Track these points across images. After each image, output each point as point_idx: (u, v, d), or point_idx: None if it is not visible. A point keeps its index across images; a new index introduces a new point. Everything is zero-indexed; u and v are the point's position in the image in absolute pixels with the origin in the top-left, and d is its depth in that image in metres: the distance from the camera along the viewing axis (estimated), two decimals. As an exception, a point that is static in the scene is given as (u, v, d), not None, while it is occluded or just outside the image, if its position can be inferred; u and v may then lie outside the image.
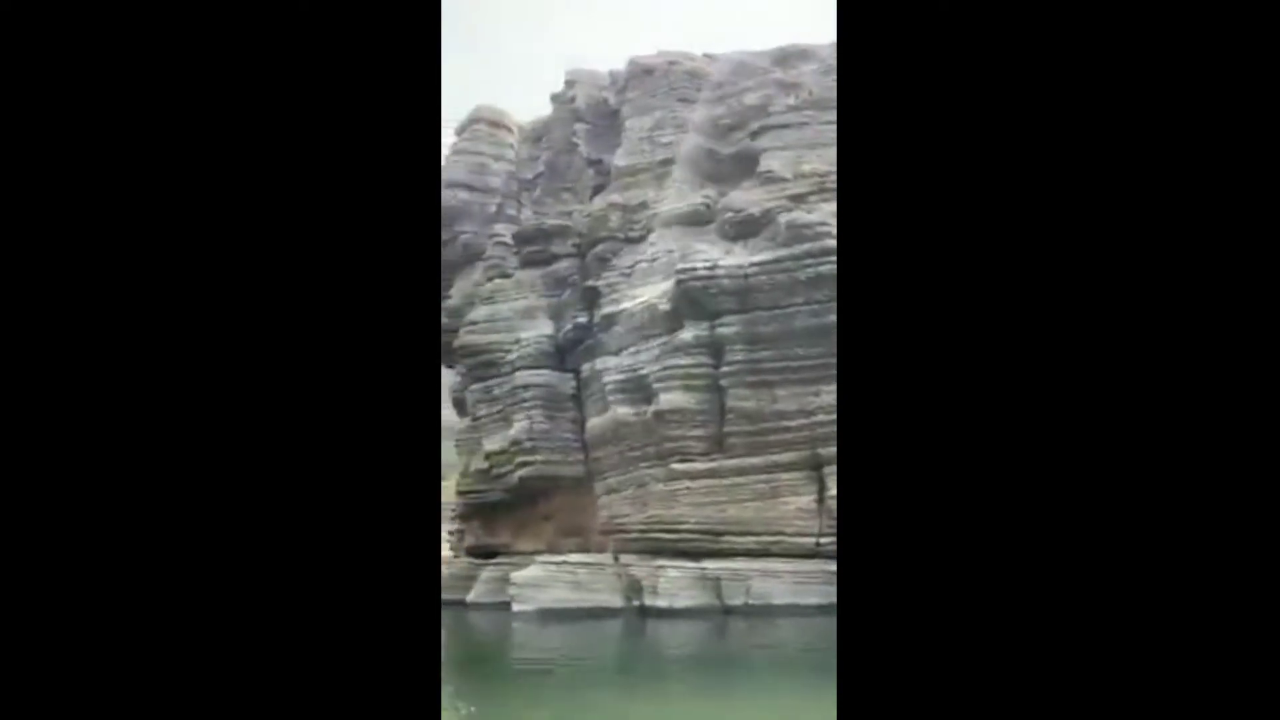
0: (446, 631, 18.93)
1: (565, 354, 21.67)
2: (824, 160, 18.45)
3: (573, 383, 21.07)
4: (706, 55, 24.05)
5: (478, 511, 24.22)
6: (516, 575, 18.93)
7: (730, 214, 19.51)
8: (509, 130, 28.99)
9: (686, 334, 18.17)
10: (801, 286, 17.58)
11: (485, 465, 21.97)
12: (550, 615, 17.97)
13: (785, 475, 17.70)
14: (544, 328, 22.09)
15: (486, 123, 28.61)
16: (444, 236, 27.31)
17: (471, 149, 27.97)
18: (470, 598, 21.83)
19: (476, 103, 29.05)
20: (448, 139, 29.07)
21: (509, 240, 24.48)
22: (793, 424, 17.58)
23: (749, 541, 17.55)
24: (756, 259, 18.03)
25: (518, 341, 21.85)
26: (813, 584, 16.55)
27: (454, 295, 26.67)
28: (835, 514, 16.17)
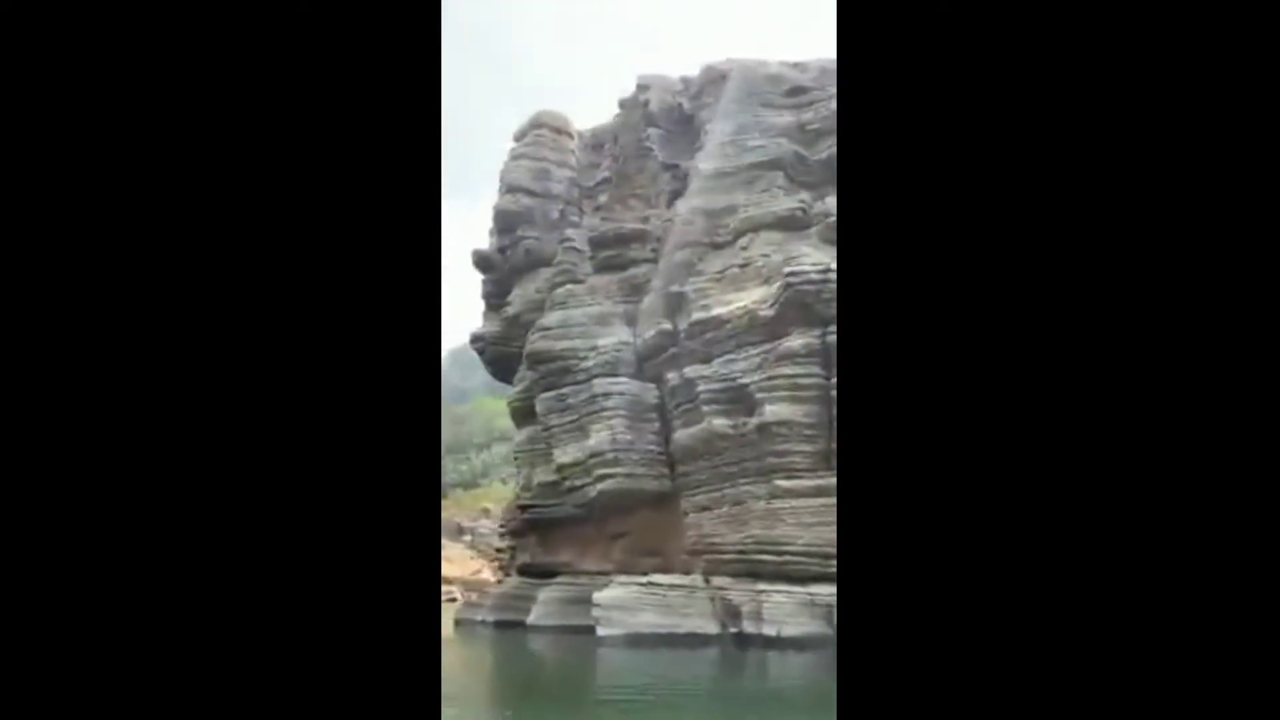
0: (510, 654, 17.57)
1: (645, 362, 20.52)
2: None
3: (655, 392, 19.86)
4: (785, 62, 23.30)
5: (534, 528, 22.90)
6: (600, 596, 17.54)
7: (831, 218, 18.47)
8: (570, 136, 28.25)
9: (794, 341, 16.97)
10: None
11: (555, 478, 20.68)
12: (638, 641, 16.61)
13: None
14: (621, 334, 20.97)
15: (549, 128, 27.89)
16: (505, 242, 26.45)
17: (533, 154, 27.17)
18: (531, 619, 20.48)
19: (537, 109, 28.24)
20: (507, 144, 28.33)
21: (580, 245, 23.45)
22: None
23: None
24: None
25: (594, 348, 20.70)
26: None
27: (514, 302, 25.64)
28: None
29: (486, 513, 52.57)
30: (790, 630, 15.67)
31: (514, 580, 24.13)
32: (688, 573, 18.16)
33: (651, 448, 19.29)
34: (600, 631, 16.89)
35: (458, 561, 42.26)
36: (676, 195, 22.59)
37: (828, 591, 15.61)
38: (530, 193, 26.48)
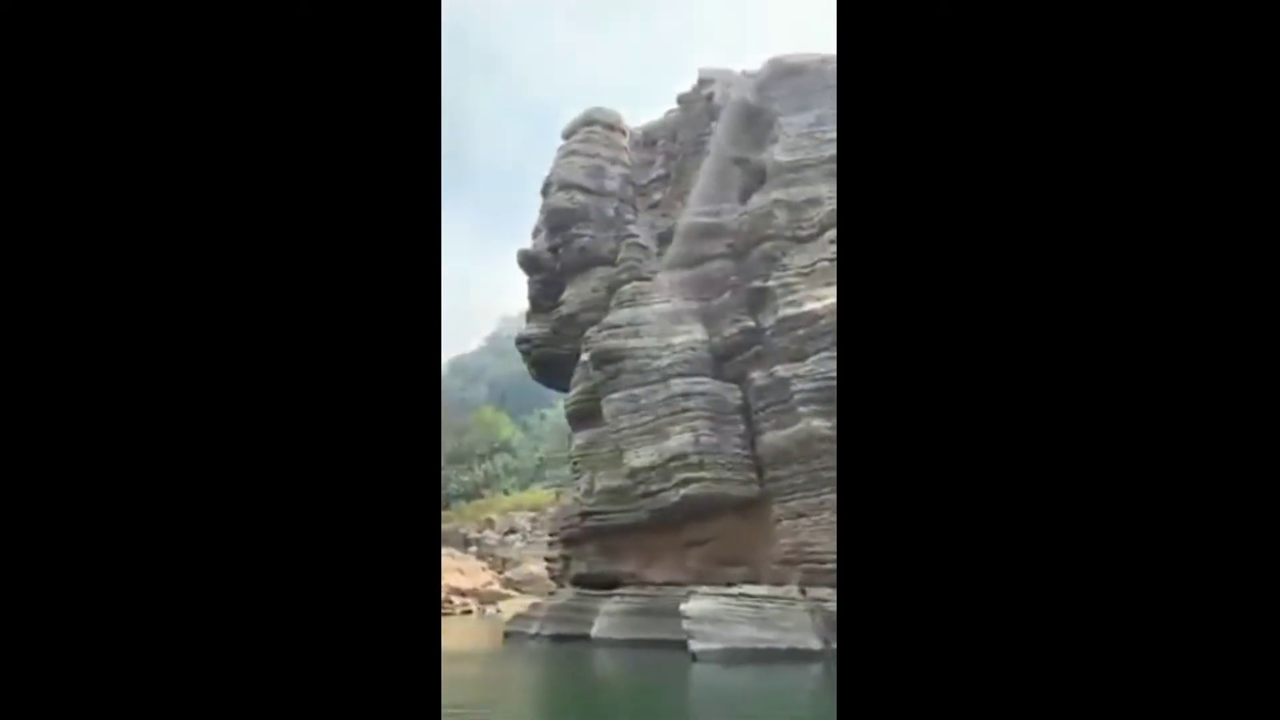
0: (585, 672, 16.34)
1: (724, 361, 19.48)
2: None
3: (738, 392, 18.79)
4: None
5: (593, 536, 21.70)
6: (688, 608, 16.36)
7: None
8: (622, 133, 27.37)
9: (904, 337, 15.99)
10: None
11: (627, 482, 19.52)
12: (736, 656, 15.44)
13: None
14: (697, 333, 19.93)
15: (601, 125, 26.98)
16: (558, 240, 25.44)
17: (586, 151, 26.23)
18: (595, 632, 19.27)
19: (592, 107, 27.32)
20: (555, 142, 27.40)
21: (644, 242, 22.47)
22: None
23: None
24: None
25: (668, 347, 19.64)
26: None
27: (568, 301, 24.59)
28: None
29: (490, 524, 51.40)
30: (908, 645, 14.56)
31: (568, 591, 22.89)
32: (779, 583, 17.01)
33: (737, 450, 18.17)
34: (694, 646, 15.68)
35: (470, 573, 40.96)
36: (748, 190, 21.70)
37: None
38: (584, 190, 25.50)
